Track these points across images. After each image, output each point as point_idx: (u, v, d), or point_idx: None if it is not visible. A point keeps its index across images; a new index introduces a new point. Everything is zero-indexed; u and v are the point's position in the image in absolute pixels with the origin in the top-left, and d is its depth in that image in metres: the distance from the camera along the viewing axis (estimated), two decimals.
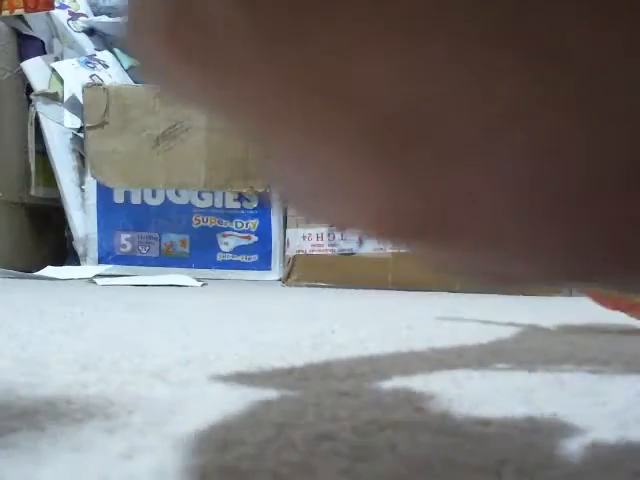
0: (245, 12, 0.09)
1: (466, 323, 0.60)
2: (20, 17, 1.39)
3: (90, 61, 1.38)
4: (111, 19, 1.42)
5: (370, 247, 1.15)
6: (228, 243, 1.31)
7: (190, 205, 1.30)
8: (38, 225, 1.46)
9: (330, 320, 0.61)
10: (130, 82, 1.38)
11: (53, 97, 1.33)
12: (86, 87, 1.28)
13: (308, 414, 0.26)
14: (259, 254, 1.31)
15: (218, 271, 1.31)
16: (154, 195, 1.30)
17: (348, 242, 1.16)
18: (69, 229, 1.34)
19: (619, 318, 0.56)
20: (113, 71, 1.40)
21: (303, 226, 1.16)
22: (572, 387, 0.32)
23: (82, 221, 1.31)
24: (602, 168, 0.08)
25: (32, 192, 1.38)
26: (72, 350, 0.39)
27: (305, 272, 1.16)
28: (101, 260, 1.31)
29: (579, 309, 0.86)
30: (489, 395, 0.30)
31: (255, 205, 1.31)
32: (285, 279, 1.18)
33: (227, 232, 1.31)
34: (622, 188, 0.08)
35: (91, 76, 1.34)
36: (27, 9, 1.34)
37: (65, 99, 1.32)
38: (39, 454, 0.21)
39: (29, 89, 1.37)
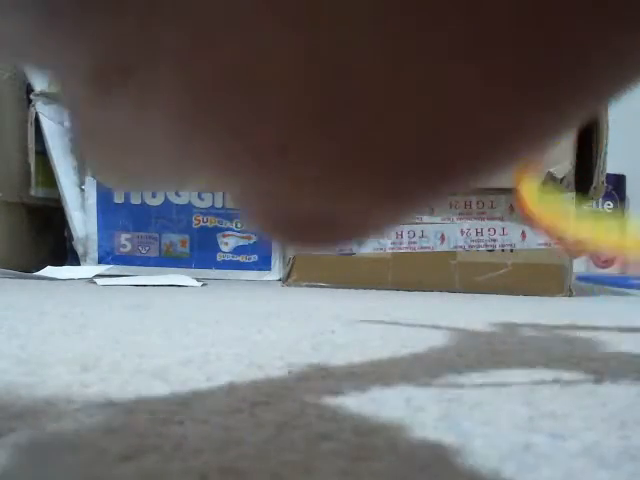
0: None
1: (466, 323, 0.60)
2: None
3: None
4: None
5: (370, 247, 1.15)
6: (228, 243, 1.31)
7: (190, 205, 1.30)
8: (38, 225, 1.45)
9: (330, 320, 0.61)
10: None
11: (53, 97, 1.33)
12: None
13: (308, 414, 0.26)
14: (259, 254, 1.31)
15: (218, 271, 1.31)
16: (154, 195, 1.30)
17: None
18: (69, 229, 1.34)
19: (619, 319, 0.56)
20: None
21: None
22: (572, 387, 0.32)
23: (82, 221, 1.31)
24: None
25: (32, 192, 1.38)
26: (72, 350, 0.39)
27: (305, 272, 1.16)
28: (101, 260, 1.31)
29: (579, 309, 0.85)
30: (489, 395, 0.30)
31: None
32: (285, 279, 1.17)
33: (227, 232, 1.31)
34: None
35: None
36: None
37: None
38: (39, 454, 0.21)
39: (29, 89, 1.37)
